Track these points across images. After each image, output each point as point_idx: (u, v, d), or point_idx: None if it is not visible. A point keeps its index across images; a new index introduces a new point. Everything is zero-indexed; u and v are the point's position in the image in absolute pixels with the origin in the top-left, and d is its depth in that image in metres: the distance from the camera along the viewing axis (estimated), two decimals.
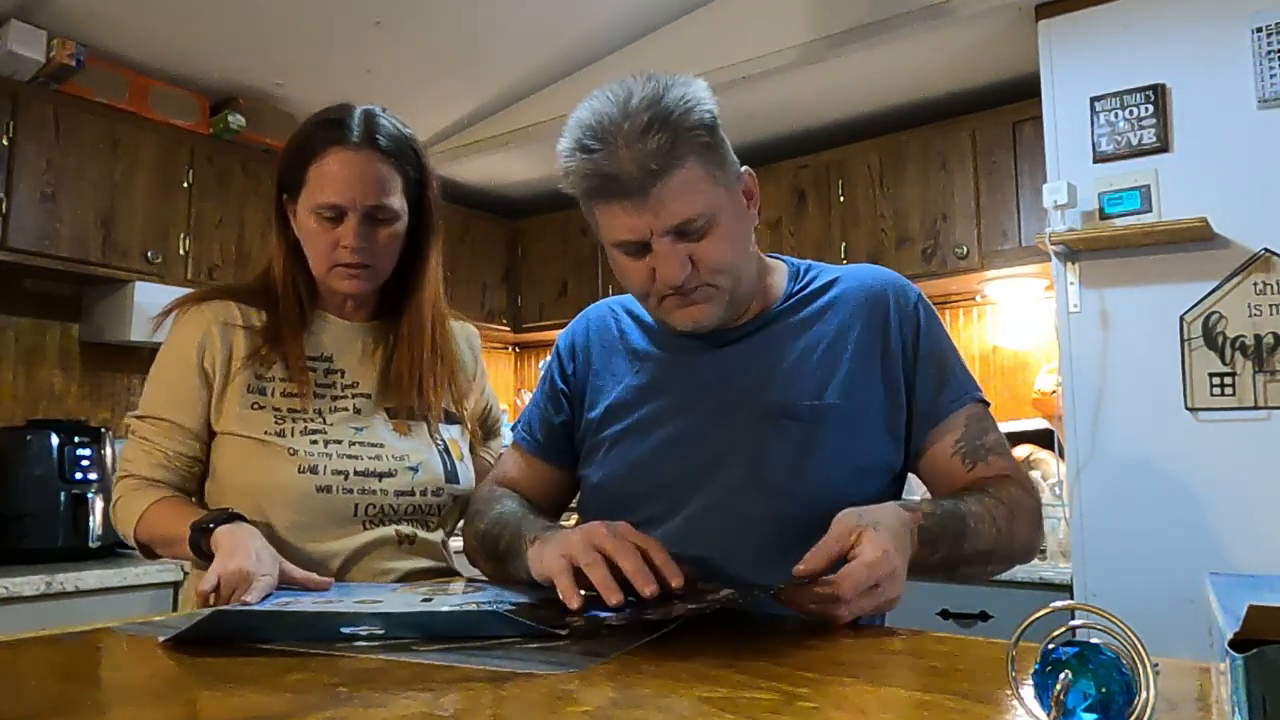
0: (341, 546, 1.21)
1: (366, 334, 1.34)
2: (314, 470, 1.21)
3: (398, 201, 1.25)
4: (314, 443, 1.22)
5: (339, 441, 1.24)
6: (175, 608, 2.24)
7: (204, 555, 1.10)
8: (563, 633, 0.76)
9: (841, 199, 3.26)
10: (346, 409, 1.28)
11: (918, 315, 1.11)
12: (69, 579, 2.29)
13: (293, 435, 1.22)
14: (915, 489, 1.32)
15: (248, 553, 1.05)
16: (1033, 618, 0.52)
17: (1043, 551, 2.47)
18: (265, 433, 1.22)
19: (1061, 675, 0.48)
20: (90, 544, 2.55)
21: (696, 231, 1.00)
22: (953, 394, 1.08)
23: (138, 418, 1.27)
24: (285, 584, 1.07)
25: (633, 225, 0.99)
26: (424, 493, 1.27)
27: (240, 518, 1.14)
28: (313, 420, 1.24)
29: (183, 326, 1.28)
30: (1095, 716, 0.48)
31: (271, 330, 1.27)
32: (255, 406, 1.24)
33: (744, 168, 1.08)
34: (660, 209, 0.97)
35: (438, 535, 1.31)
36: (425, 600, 0.95)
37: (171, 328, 1.30)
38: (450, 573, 1.30)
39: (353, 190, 1.21)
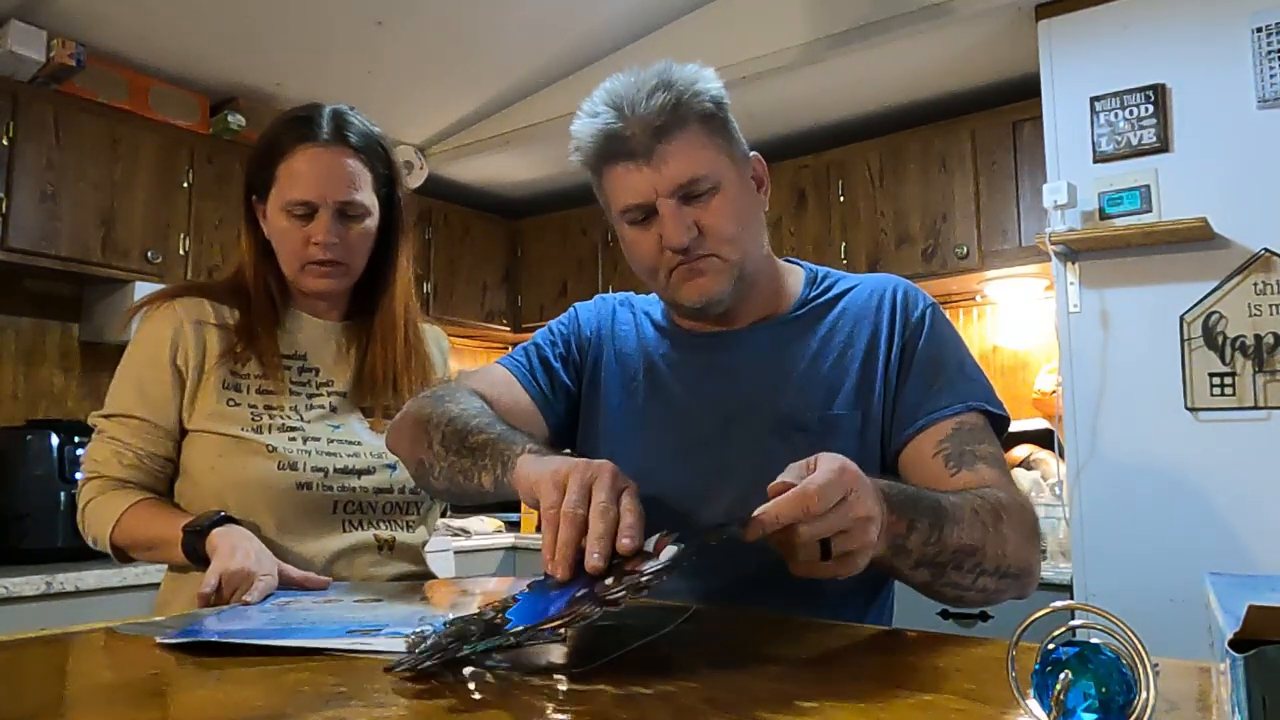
0: (320, 549, 1.19)
1: (340, 333, 1.33)
2: (293, 467, 1.19)
3: (368, 198, 1.25)
4: (292, 439, 1.21)
5: (317, 439, 1.23)
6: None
7: (198, 559, 1.09)
8: (560, 632, 0.75)
9: (841, 199, 3.26)
10: (322, 407, 1.27)
11: (923, 322, 1.07)
12: (69, 579, 2.29)
13: (269, 432, 1.21)
14: None
15: (247, 554, 1.05)
16: (1033, 618, 0.52)
17: (1042, 551, 2.47)
18: (241, 429, 1.20)
19: (1061, 675, 0.48)
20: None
21: (701, 195, 1.00)
22: (947, 398, 1.01)
23: (105, 417, 1.24)
24: (284, 585, 1.06)
25: (638, 187, 1.00)
26: (402, 490, 1.26)
27: (231, 520, 1.13)
28: (289, 417, 1.23)
29: (154, 323, 1.25)
30: (1095, 716, 0.48)
31: (245, 328, 1.25)
32: (231, 403, 1.22)
33: (753, 153, 1.09)
34: (663, 167, 0.99)
35: (417, 537, 1.30)
36: (422, 600, 0.95)
37: (141, 324, 1.26)
38: (430, 577, 1.29)
39: (323, 186, 1.21)
